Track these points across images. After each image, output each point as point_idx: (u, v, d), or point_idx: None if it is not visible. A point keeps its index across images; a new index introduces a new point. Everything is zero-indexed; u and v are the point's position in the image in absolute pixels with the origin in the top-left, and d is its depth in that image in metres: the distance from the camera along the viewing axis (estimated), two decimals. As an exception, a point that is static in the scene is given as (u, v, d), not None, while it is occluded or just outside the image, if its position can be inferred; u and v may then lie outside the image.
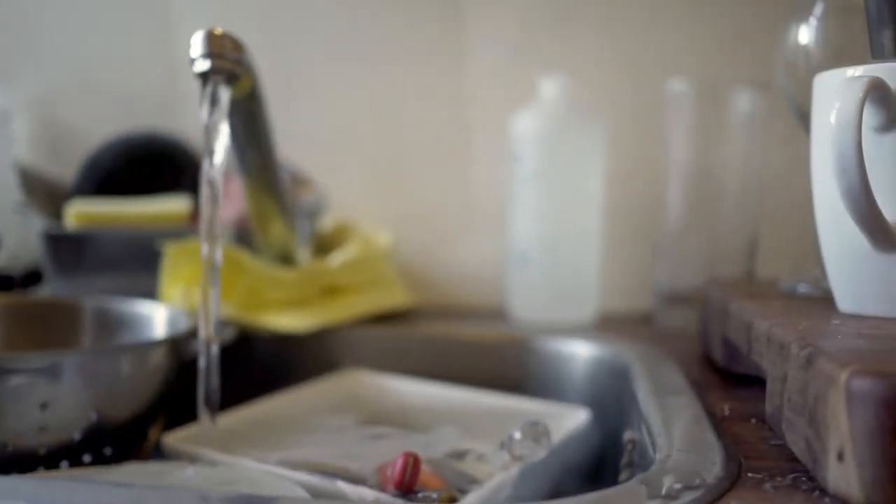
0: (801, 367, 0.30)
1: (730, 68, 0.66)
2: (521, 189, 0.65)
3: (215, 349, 0.44)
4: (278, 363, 0.61)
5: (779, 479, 0.30)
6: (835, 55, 0.47)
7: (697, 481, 0.28)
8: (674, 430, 0.35)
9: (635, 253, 0.70)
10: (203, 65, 0.44)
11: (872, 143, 0.36)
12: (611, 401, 0.52)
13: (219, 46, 0.44)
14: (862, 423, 0.25)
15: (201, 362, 0.44)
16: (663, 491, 0.27)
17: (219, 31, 0.45)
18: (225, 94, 0.44)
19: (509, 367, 0.59)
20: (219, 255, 0.44)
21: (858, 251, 0.37)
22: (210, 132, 0.44)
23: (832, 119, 0.34)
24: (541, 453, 0.40)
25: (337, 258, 0.64)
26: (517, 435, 0.40)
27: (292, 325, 0.58)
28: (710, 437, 0.34)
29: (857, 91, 0.34)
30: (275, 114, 0.75)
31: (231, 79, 0.45)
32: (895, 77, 0.35)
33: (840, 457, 0.26)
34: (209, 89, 0.44)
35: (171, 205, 0.67)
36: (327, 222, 0.70)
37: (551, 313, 0.65)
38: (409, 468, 0.37)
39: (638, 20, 0.70)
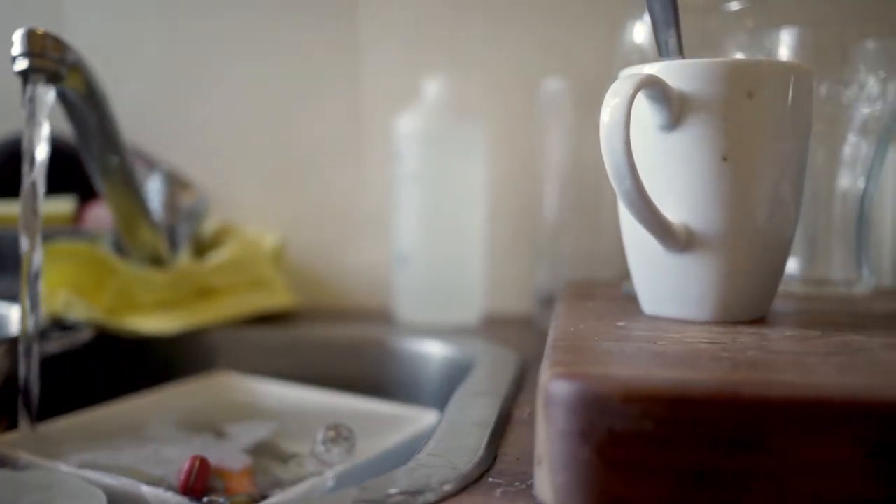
0: (540, 370, 0.29)
1: (607, 68, 0.65)
2: (403, 190, 0.65)
3: (36, 351, 0.44)
4: (149, 365, 0.61)
5: (517, 484, 0.29)
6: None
7: (416, 487, 0.27)
8: (446, 432, 0.34)
9: (520, 254, 0.70)
10: (22, 63, 0.43)
11: (659, 142, 0.36)
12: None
13: (39, 45, 0.44)
14: (553, 426, 0.25)
15: (21, 365, 0.43)
16: (374, 496, 0.27)
17: (40, 30, 0.44)
18: (47, 94, 0.44)
19: (376, 368, 0.58)
20: (38, 254, 0.44)
21: (652, 252, 0.37)
22: (30, 131, 0.43)
23: (605, 118, 0.33)
24: (344, 457, 0.39)
25: (212, 259, 0.63)
26: (319, 438, 0.39)
27: (159, 326, 0.58)
28: (476, 441, 0.33)
29: (628, 89, 0.33)
30: (167, 114, 0.75)
31: (54, 78, 0.44)
32: (677, 75, 0.35)
33: (539, 461, 0.26)
34: (29, 88, 0.44)
35: (54, 206, 0.66)
36: (211, 224, 0.69)
37: (435, 315, 0.65)
38: (194, 472, 0.36)
39: (525, 21, 0.69)
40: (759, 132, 0.34)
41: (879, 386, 0.23)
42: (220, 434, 0.50)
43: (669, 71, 0.35)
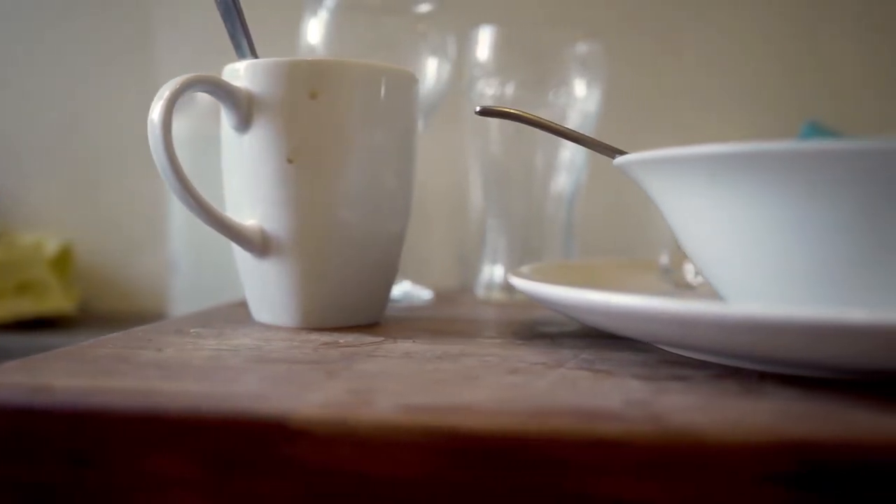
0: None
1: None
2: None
3: None
4: None
5: None
6: (346, 54, 0.45)
7: None
8: None
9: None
10: None
11: (234, 143, 0.35)
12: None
13: None
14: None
15: None
16: None
17: None
18: None
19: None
20: None
21: (243, 256, 0.36)
22: None
23: (151, 116, 0.32)
24: None
25: (-31, 264, 0.62)
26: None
27: None
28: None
29: (173, 88, 0.32)
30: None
31: None
32: (245, 76, 0.34)
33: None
34: None
35: None
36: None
37: (209, 320, 0.63)
38: None
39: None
40: (326, 133, 0.33)
41: (211, 396, 0.22)
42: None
43: (241, 71, 0.34)
